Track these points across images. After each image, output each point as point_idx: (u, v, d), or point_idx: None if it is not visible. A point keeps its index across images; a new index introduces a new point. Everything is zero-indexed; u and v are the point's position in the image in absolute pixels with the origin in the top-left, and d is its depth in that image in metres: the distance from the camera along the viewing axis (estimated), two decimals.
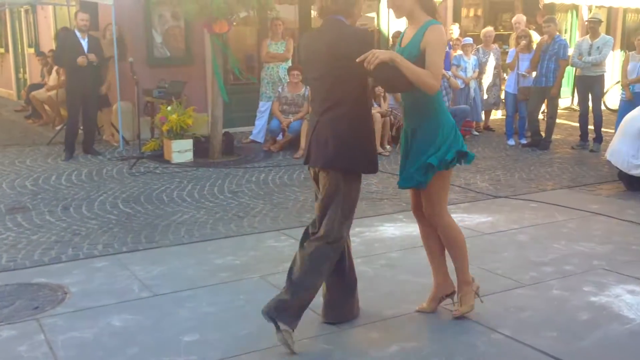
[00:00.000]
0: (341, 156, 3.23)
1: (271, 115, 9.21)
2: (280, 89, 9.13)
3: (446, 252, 3.60)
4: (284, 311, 3.16)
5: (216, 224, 5.48)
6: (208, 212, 5.86)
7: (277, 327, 3.14)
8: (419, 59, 3.24)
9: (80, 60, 7.91)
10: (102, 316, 3.63)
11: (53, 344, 3.30)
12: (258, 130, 9.50)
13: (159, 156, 8.25)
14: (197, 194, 6.53)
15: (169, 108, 8.11)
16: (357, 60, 3.09)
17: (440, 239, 3.56)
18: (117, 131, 8.99)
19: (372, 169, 3.37)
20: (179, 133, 8.06)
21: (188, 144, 8.17)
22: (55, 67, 11.43)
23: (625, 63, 8.59)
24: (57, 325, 3.52)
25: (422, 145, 3.35)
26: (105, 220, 5.58)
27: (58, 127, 10.02)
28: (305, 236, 3.40)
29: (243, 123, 9.99)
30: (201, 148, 8.33)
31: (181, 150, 8.09)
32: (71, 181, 7.03)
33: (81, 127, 8.57)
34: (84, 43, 8.08)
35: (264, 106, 9.45)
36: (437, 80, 3.23)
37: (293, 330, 3.16)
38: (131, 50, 8.95)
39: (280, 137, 9.07)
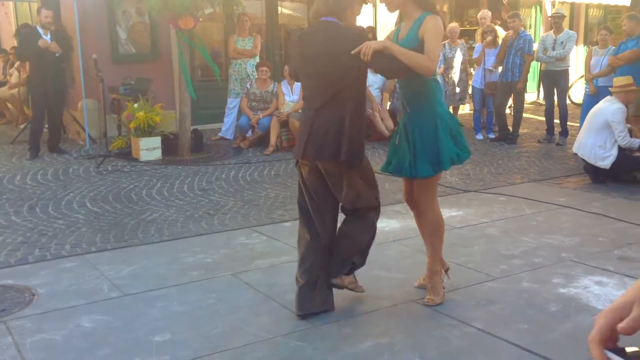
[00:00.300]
0: (348, 150, 3.37)
1: (240, 112, 9.15)
2: (248, 85, 9.07)
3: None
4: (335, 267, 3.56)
5: (186, 222, 5.43)
6: (178, 210, 5.80)
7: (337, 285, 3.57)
8: (419, 47, 3.36)
9: (42, 42, 7.73)
10: (71, 317, 3.56)
11: (21, 346, 3.22)
12: (227, 127, 9.44)
13: (126, 154, 8.13)
14: (167, 192, 6.46)
15: (135, 105, 7.99)
16: (352, 52, 3.22)
17: None
18: (83, 129, 8.83)
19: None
20: (146, 130, 7.96)
21: (156, 141, 8.07)
22: (16, 65, 11.19)
23: (588, 58, 8.75)
24: (25, 328, 3.44)
25: (426, 138, 3.48)
26: (73, 219, 5.48)
27: (22, 126, 9.82)
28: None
29: (212, 120, 9.91)
30: (170, 145, 8.24)
31: (149, 148, 7.98)
32: (37, 180, 6.89)
33: (46, 126, 8.40)
34: (47, 39, 7.91)
35: (232, 103, 9.38)
36: (433, 63, 3.33)
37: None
38: (95, 46, 8.79)
39: (249, 133, 9.02)
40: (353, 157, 3.41)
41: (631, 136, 6.64)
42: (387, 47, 3.28)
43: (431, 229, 3.71)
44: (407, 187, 3.77)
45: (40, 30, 7.92)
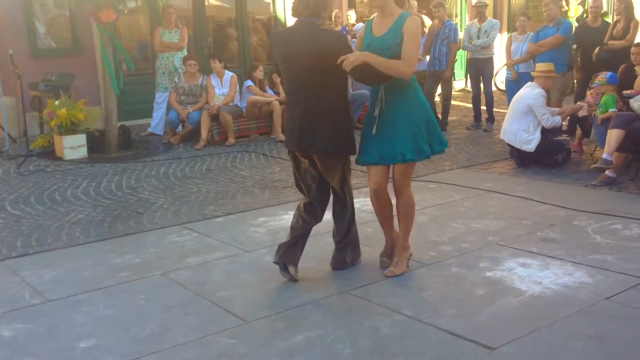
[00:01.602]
0: (340, 142, 3.80)
1: (169, 106, 8.96)
2: (176, 79, 8.88)
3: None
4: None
5: (114, 222, 5.27)
6: (105, 210, 5.62)
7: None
8: (400, 44, 3.67)
9: None
10: None
11: None
12: (156, 122, 9.22)
13: (49, 153, 7.83)
14: (93, 192, 6.25)
15: (57, 102, 7.69)
16: (337, 62, 3.54)
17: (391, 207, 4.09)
18: (2, 128, 8.43)
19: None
20: (69, 128, 7.67)
21: (81, 139, 7.80)
22: None
23: (509, 44, 9.00)
24: None
25: (407, 125, 3.78)
26: None
27: None
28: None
29: (140, 115, 9.64)
30: (96, 143, 7.99)
31: (74, 146, 7.71)
32: None
33: None
34: None
35: (160, 97, 9.16)
36: (411, 68, 3.68)
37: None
38: (10, 41, 8.39)
39: (179, 128, 8.85)
40: (344, 148, 3.84)
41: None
42: (365, 62, 3.55)
43: (406, 209, 4.02)
44: (381, 176, 3.95)
45: None
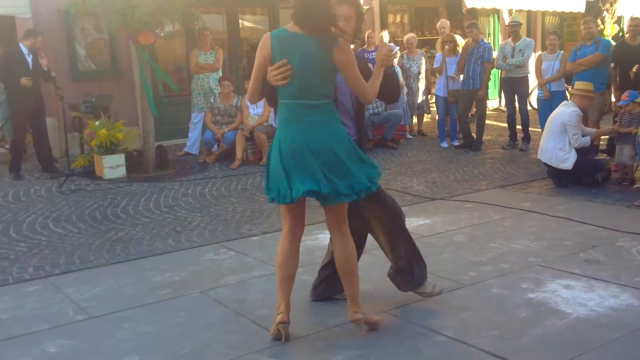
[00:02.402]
0: None
1: (204, 127, 9.08)
2: (212, 100, 9.01)
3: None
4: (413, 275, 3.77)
5: (153, 240, 5.34)
6: (144, 228, 5.70)
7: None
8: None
9: (25, 81, 7.57)
10: (35, 343, 3.45)
11: None
12: (192, 142, 9.34)
13: (90, 172, 7.98)
14: (132, 210, 6.35)
15: (97, 123, 7.86)
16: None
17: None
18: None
19: None
20: (109, 148, 7.83)
21: (120, 159, 7.94)
22: None
23: (539, 63, 8.94)
24: None
25: (346, 160, 3.24)
26: (35, 242, 5.34)
27: None
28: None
29: (176, 135, 9.80)
30: (134, 163, 8.12)
31: (113, 166, 7.85)
32: None
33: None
34: (29, 60, 7.77)
35: (196, 117, 9.30)
36: None
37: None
38: (53, 64, 8.63)
39: (215, 148, 8.95)
40: None
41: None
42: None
43: (348, 252, 3.47)
44: (293, 218, 3.50)
45: (24, 49, 7.76)
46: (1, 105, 9.50)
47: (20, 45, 7.83)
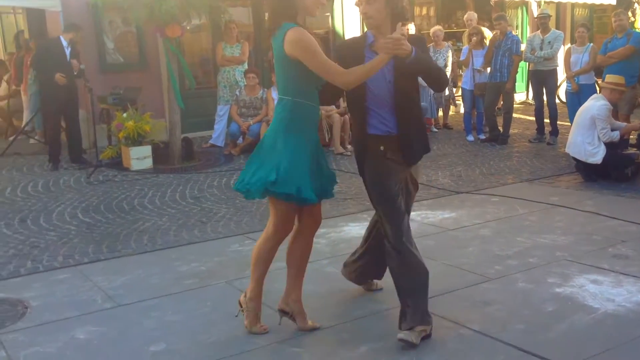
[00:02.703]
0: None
1: (230, 119, 9.13)
2: (237, 92, 9.05)
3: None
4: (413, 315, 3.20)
5: (179, 231, 5.39)
6: (171, 219, 5.76)
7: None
8: None
9: (59, 78, 7.71)
10: (65, 329, 3.52)
11: None
12: (217, 134, 9.41)
13: (117, 164, 8.09)
14: (159, 201, 6.42)
15: (124, 115, 7.96)
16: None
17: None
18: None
19: None
20: (136, 140, 7.92)
21: (147, 150, 8.03)
22: (5, 77, 11.12)
23: (567, 56, 8.81)
24: (19, 341, 3.40)
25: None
26: (65, 231, 5.44)
27: (10, 138, 9.74)
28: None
29: (202, 128, 9.87)
30: (161, 154, 8.20)
31: (140, 157, 7.94)
32: (27, 192, 6.83)
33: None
34: (68, 52, 7.91)
35: (222, 110, 9.36)
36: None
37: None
38: (82, 56, 8.75)
39: (240, 140, 9.00)
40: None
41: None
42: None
43: (307, 249, 3.52)
44: (293, 214, 3.43)
45: (64, 42, 7.90)
46: (33, 97, 9.69)
47: (61, 38, 7.95)
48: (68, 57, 7.93)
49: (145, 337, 3.41)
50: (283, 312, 3.46)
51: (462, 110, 10.78)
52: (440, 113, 10.89)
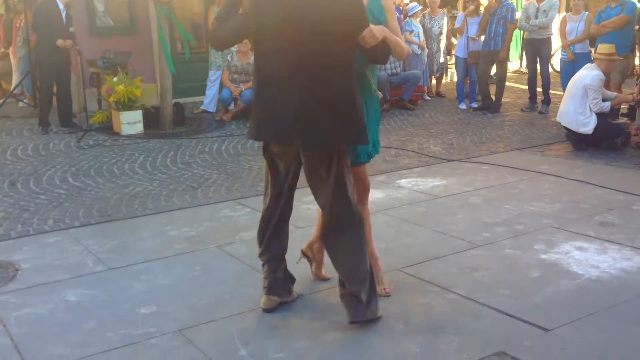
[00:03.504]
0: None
1: (222, 85, 9.07)
2: (229, 58, 8.97)
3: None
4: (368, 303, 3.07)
5: (170, 196, 5.40)
6: (161, 184, 5.77)
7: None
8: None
9: (61, 42, 7.64)
10: (56, 292, 3.55)
11: (6, 321, 3.22)
12: (209, 100, 9.34)
13: (107, 128, 8.04)
14: (150, 166, 6.41)
15: (115, 79, 7.88)
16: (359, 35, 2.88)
17: None
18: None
19: None
20: (127, 104, 7.86)
21: (137, 115, 7.98)
22: None
23: (563, 24, 8.76)
24: (10, 302, 3.43)
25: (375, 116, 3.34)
26: (55, 195, 5.43)
27: (0, 101, 9.64)
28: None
29: (193, 93, 9.79)
30: (151, 119, 8.15)
31: (131, 122, 7.90)
32: (17, 156, 6.80)
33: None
34: (64, 15, 7.79)
35: (213, 75, 9.27)
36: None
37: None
38: (72, 19, 8.62)
39: (232, 106, 8.95)
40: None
41: None
42: (386, 38, 2.99)
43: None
44: None
45: (61, 5, 7.78)
46: (22, 60, 9.56)
47: (57, 1, 7.82)
48: (64, 20, 7.82)
49: (135, 300, 3.44)
50: (304, 255, 3.65)
51: (455, 78, 10.75)
52: (433, 81, 10.85)
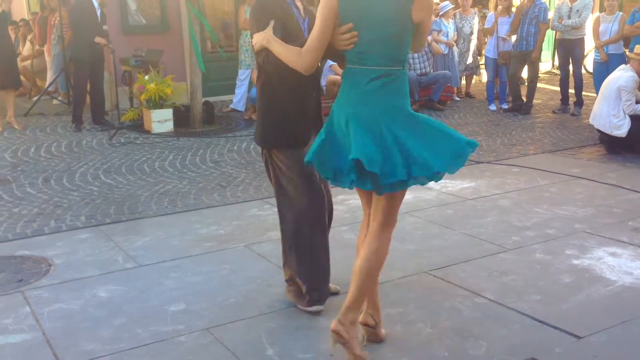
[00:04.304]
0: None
1: (251, 83, 9.11)
2: None
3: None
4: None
5: (199, 194, 5.45)
6: (191, 182, 5.82)
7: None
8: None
9: (99, 40, 7.82)
10: (87, 287, 3.61)
11: (39, 315, 3.28)
12: (238, 99, 9.39)
13: (138, 126, 8.15)
14: (179, 164, 6.47)
15: (146, 77, 7.98)
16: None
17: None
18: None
19: None
20: (158, 102, 7.95)
21: (168, 113, 8.07)
22: (29, 37, 11.18)
23: (596, 25, 8.61)
24: (43, 297, 3.49)
25: None
26: (87, 191, 5.52)
27: (34, 98, 9.84)
28: None
29: (223, 92, 9.87)
30: (181, 117, 8.23)
31: (161, 120, 7.99)
32: (51, 153, 6.93)
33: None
34: (99, 14, 7.93)
35: (243, 74, 9.32)
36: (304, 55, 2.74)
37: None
38: (105, 18, 8.75)
39: None
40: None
41: None
42: (270, 45, 2.88)
43: (376, 260, 2.76)
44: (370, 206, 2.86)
45: (95, 3, 7.92)
46: (56, 57, 9.74)
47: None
48: (99, 18, 7.94)
49: (165, 297, 3.48)
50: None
51: (484, 78, 10.65)
52: (463, 82, 10.76)
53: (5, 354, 2.93)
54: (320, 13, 2.65)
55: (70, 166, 6.36)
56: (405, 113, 2.66)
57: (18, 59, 10.93)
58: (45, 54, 10.37)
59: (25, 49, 11.24)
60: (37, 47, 10.97)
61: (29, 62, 10.87)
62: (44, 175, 6.02)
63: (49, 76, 10.10)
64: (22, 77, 11.00)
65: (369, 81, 2.64)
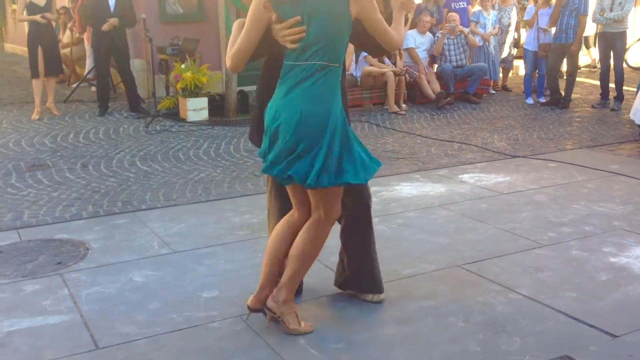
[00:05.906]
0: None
1: None
2: None
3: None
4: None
5: (233, 183, 5.50)
6: (225, 171, 5.87)
7: None
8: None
9: (105, 26, 7.98)
10: (123, 272, 3.68)
11: (77, 298, 3.36)
12: None
13: (174, 114, 8.24)
14: (214, 153, 6.53)
15: (182, 66, 8.05)
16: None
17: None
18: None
19: None
20: (193, 91, 8.03)
21: (203, 102, 8.14)
22: (69, 25, 11.38)
23: None
24: (80, 280, 3.57)
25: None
26: (124, 177, 5.62)
27: (74, 85, 10.02)
28: None
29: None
30: (216, 106, 8.30)
31: (196, 109, 8.06)
32: (89, 139, 7.06)
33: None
34: (112, 3, 8.04)
35: None
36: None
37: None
38: (143, 6, 8.85)
39: None
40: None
41: None
42: None
43: (310, 247, 2.98)
44: (299, 195, 2.99)
45: None
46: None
47: None
48: (112, 8, 8.03)
49: (198, 283, 3.52)
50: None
51: (520, 71, 10.48)
52: (500, 75, 10.61)
53: (43, 334, 3.01)
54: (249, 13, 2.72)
55: (107, 152, 6.47)
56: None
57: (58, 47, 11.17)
58: (85, 41, 10.54)
59: (65, 37, 11.43)
60: (77, 34, 11.15)
61: (68, 49, 11.06)
62: (82, 161, 6.14)
63: (88, 64, 10.27)
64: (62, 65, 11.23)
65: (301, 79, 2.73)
